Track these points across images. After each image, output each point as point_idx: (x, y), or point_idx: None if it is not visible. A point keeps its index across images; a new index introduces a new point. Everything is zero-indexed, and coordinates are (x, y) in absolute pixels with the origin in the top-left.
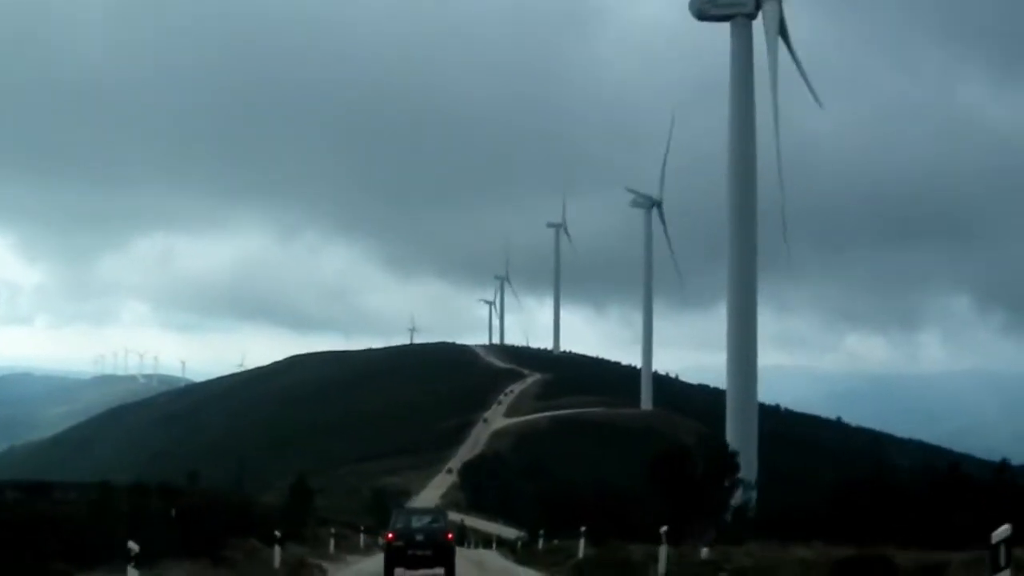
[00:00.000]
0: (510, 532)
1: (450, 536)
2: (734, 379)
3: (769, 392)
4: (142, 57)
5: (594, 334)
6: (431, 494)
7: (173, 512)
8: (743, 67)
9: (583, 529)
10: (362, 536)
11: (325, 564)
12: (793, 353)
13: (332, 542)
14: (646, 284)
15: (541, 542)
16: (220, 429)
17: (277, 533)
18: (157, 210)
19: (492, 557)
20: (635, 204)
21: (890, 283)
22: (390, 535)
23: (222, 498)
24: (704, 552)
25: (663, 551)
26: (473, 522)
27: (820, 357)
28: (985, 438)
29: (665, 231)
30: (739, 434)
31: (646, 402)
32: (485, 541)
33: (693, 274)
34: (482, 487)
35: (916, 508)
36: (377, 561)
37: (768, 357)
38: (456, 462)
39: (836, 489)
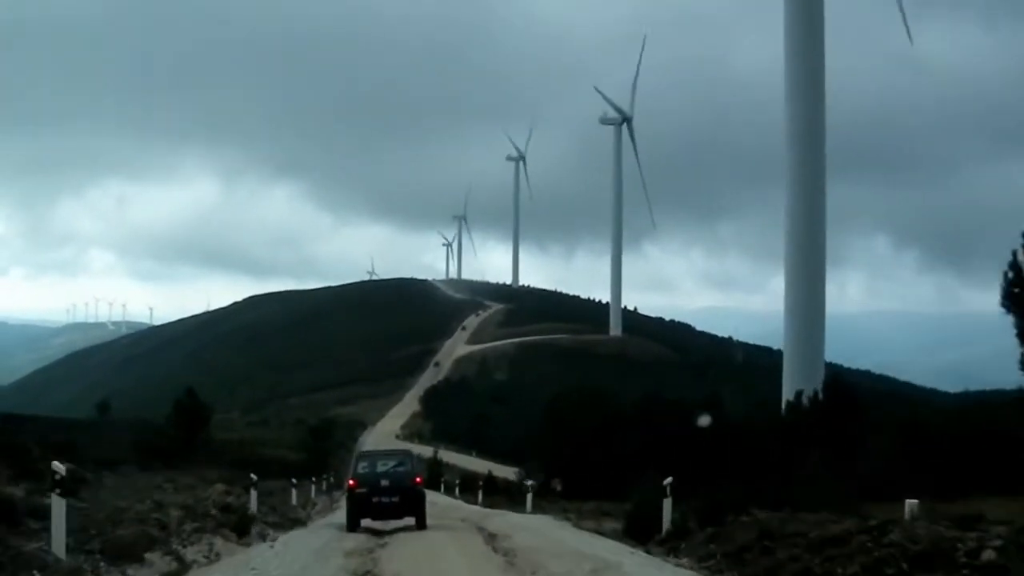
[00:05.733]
0: (499, 469)
1: (419, 480)
2: (795, 325)
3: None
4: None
5: (539, 273)
6: (390, 425)
7: None
8: None
9: None
10: (254, 495)
11: None
12: (727, 293)
13: None
14: (615, 203)
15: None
16: (176, 368)
17: None
18: (107, 156)
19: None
20: (604, 121)
21: None
22: (352, 481)
23: None
24: None
25: None
26: (447, 456)
27: (749, 298)
28: (904, 372)
29: (635, 149)
30: (803, 371)
31: (615, 328)
32: (482, 485)
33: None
34: (449, 415)
35: None
36: None
37: (703, 298)
38: (419, 389)
39: None
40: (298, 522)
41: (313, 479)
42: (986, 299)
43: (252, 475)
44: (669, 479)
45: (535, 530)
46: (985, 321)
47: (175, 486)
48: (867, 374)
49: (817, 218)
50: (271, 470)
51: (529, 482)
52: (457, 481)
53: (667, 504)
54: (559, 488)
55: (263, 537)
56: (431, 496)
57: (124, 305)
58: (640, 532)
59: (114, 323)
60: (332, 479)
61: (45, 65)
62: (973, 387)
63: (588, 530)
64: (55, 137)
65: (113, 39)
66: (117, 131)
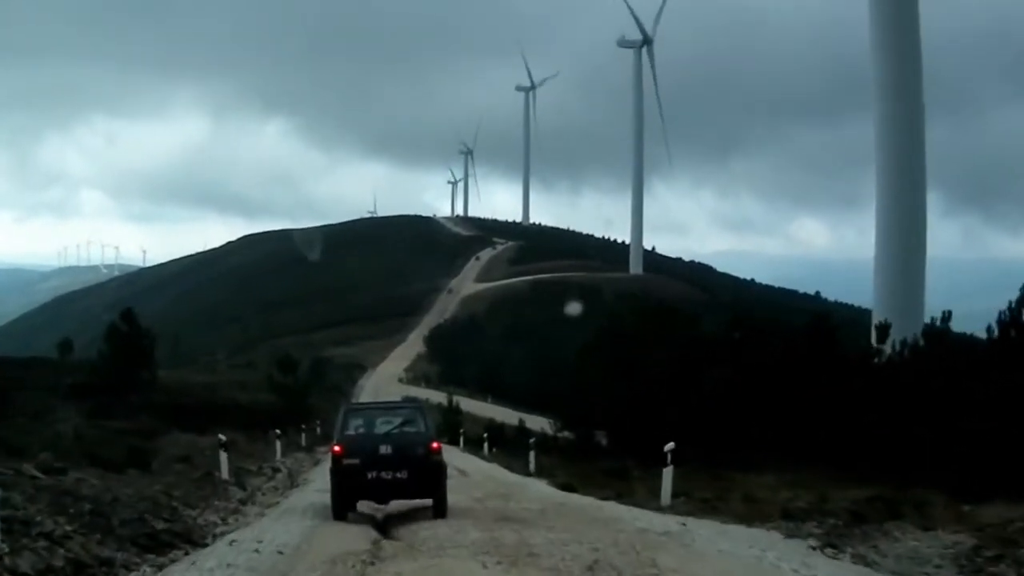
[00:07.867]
0: (526, 419)
1: (436, 446)
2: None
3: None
4: None
5: (546, 211)
6: (392, 367)
7: None
8: None
9: None
10: None
11: None
12: (742, 235)
13: None
14: (636, 134)
15: None
16: (166, 310)
17: None
18: (91, 89)
19: None
20: (623, 44)
21: (832, 161)
22: (337, 447)
23: None
24: None
25: None
26: (466, 404)
27: (765, 241)
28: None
29: (654, 76)
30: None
31: (635, 266)
32: (533, 443)
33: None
34: (458, 357)
35: None
36: None
37: (717, 241)
38: (423, 329)
39: None
40: (175, 541)
41: (278, 432)
42: (1013, 244)
43: None
44: None
45: None
46: (1013, 266)
47: None
48: None
49: (916, 148)
50: (230, 418)
51: (670, 446)
52: (484, 435)
53: None
54: (604, 444)
55: None
56: (455, 459)
57: (117, 247)
58: None
59: (107, 266)
60: (318, 430)
61: None
62: None
63: None
64: (36, 69)
65: None
66: (101, 63)
